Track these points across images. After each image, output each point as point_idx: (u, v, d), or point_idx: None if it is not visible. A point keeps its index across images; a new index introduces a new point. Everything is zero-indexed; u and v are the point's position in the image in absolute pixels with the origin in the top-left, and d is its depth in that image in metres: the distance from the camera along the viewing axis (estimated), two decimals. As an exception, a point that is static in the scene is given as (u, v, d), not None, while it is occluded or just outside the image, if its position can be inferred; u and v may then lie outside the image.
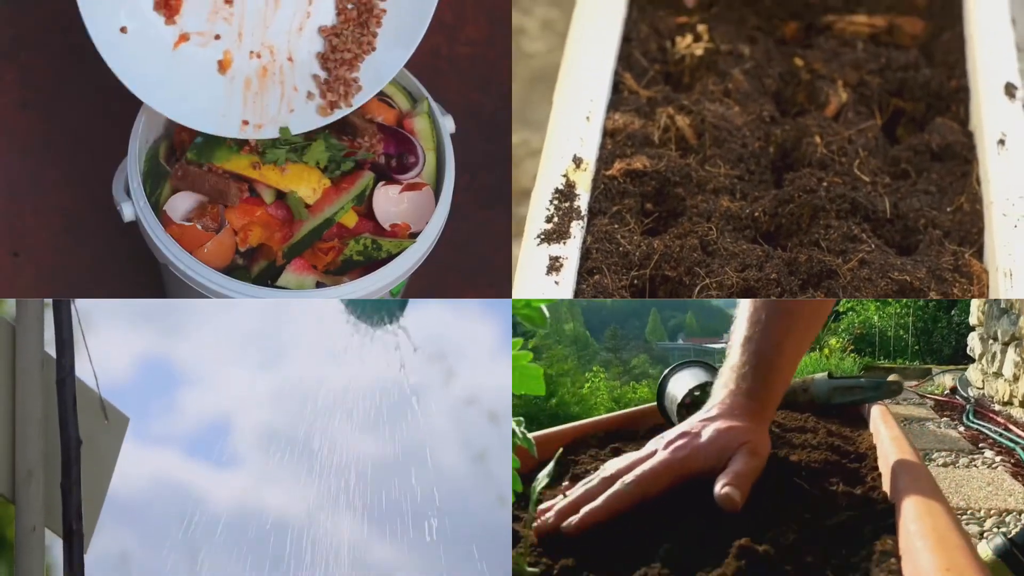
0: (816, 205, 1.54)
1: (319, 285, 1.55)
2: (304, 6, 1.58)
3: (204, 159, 1.58)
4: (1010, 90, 1.65)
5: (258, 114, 1.57)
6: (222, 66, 1.58)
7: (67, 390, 1.35)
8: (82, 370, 1.39)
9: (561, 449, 1.07)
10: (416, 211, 1.60)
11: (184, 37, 1.57)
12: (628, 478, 0.94)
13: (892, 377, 1.58)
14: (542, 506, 0.94)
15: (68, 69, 1.88)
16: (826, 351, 4.26)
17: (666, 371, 1.56)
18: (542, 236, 1.49)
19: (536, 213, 1.52)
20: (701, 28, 1.78)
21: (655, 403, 1.53)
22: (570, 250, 1.47)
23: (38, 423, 1.36)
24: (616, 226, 1.51)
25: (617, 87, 1.70)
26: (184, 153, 1.59)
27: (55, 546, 1.34)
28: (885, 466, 1.05)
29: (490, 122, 1.89)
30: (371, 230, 1.60)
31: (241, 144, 1.58)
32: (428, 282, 1.75)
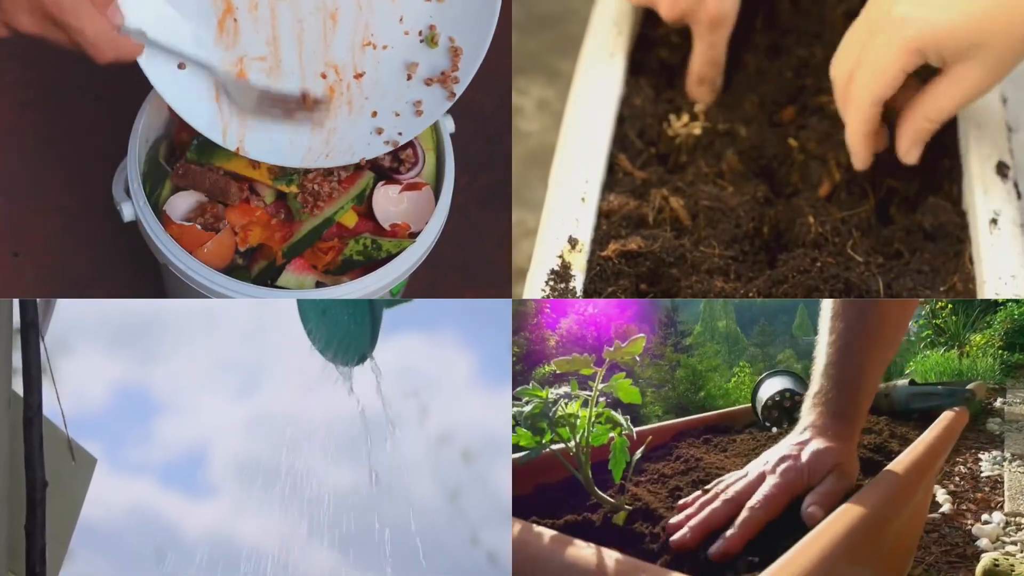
0: (810, 285, 1.55)
1: (319, 285, 1.56)
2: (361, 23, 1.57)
3: (204, 159, 1.58)
4: (1002, 169, 1.67)
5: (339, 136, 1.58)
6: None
7: (34, 430, 1.34)
8: (49, 409, 1.37)
9: (650, 437, 1.12)
10: (416, 211, 1.61)
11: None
12: (753, 503, 1.00)
13: (971, 385, 1.61)
14: (673, 520, 0.99)
15: (68, 69, 1.88)
16: (967, 348, 4.13)
17: (760, 377, 1.64)
18: (539, 317, 1.49)
19: (532, 294, 1.52)
20: (699, 108, 1.80)
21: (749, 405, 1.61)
22: (566, 332, 1.48)
23: (3, 463, 1.34)
24: (612, 308, 1.52)
25: (612, 168, 1.71)
26: (184, 153, 1.60)
27: (18, 589, 1.33)
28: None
29: (490, 122, 1.89)
30: (371, 230, 1.60)
31: None
32: (428, 282, 1.75)
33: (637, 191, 1.68)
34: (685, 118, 1.79)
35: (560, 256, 1.56)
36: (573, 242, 1.57)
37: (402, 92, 1.59)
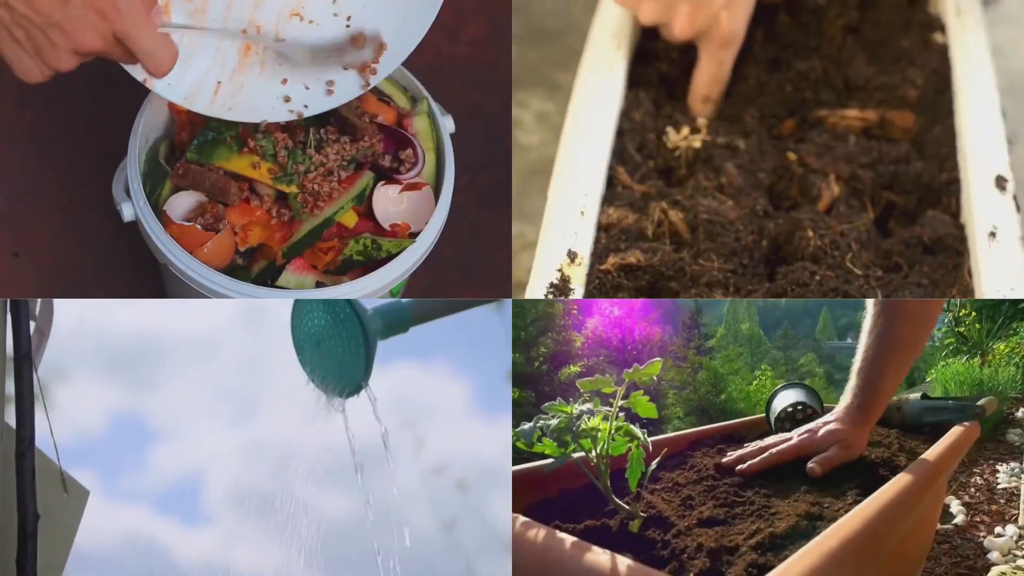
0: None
1: (319, 285, 1.56)
2: None
3: (204, 158, 1.58)
4: (1001, 183, 1.67)
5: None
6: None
7: (26, 463, 1.32)
8: (42, 440, 1.35)
9: (665, 449, 1.22)
10: (416, 211, 1.61)
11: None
12: (775, 450, 1.34)
13: (982, 402, 1.62)
14: (724, 460, 1.36)
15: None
16: (989, 357, 4.07)
17: (774, 389, 1.73)
18: (538, 331, 1.49)
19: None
20: (700, 122, 1.80)
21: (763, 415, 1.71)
22: (565, 345, 1.48)
23: None
24: (610, 321, 1.52)
25: (611, 181, 1.71)
26: (184, 153, 1.60)
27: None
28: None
29: (490, 122, 1.89)
30: (371, 230, 1.60)
31: (241, 144, 1.58)
32: (428, 282, 1.75)
33: (636, 204, 1.68)
34: (685, 131, 1.79)
35: (559, 270, 1.56)
36: (572, 255, 1.58)
37: (317, 69, 1.59)
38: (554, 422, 1.04)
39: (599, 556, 0.87)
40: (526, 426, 1.07)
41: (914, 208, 1.73)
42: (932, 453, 1.34)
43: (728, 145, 1.78)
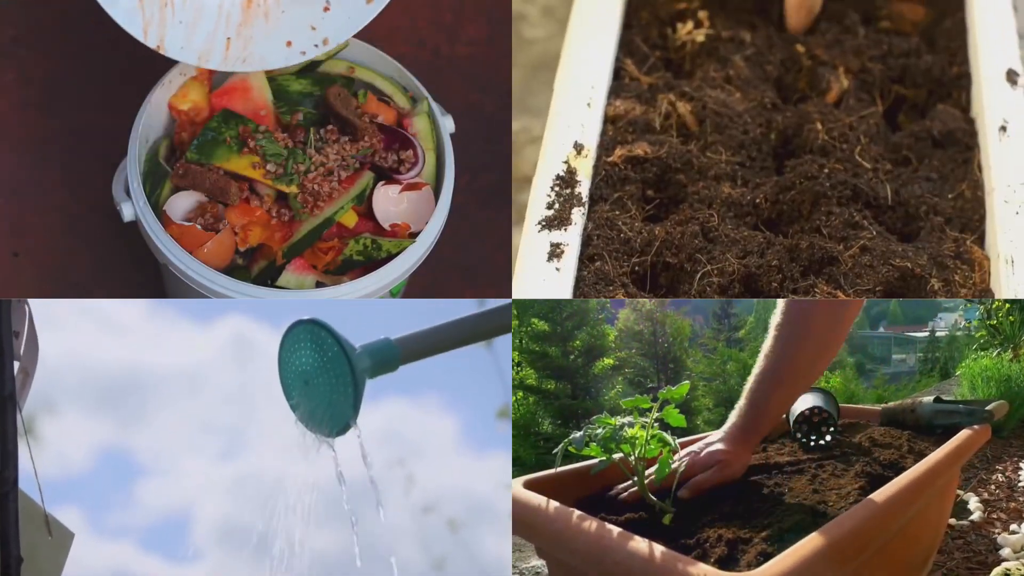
0: (817, 192, 1.54)
1: (319, 285, 1.55)
2: None
3: (204, 158, 1.57)
4: (1012, 77, 1.65)
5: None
6: None
7: (10, 505, 1.30)
8: (26, 481, 1.34)
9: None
10: (416, 211, 1.60)
11: None
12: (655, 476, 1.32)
13: (991, 406, 1.69)
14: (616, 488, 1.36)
15: (68, 69, 1.87)
16: (1021, 351, 4.04)
17: None
18: (543, 223, 1.49)
19: (537, 200, 1.51)
20: (702, 15, 1.78)
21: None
22: (571, 237, 1.47)
23: None
24: (617, 213, 1.51)
25: (618, 74, 1.69)
26: (184, 153, 1.59)
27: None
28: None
29: (490, 122, 1.88)
30: (371, 230, 1.59)
31: (241, 144, 1.58)
32: (428, 282, 1.75)
33: (643, 97, 1.66)
34: (689, 24, 1.77)
35: (566, 162, 1.55)
36: (579, 148, 1.56)
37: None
38: (601, 432, 1.23)
39: (640, 544, 1.03)
40: (577, 435, 1.24)
41: (924, 102, 1.70)
42: (931, 459, 1.39)
43: (733, 39, 1.75)
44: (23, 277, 1.77)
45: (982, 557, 1.92)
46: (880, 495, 1.18)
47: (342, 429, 1.28)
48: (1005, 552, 1.92)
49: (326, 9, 1.58)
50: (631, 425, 1.22)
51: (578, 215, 1.49)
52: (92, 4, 1.86)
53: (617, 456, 1.24)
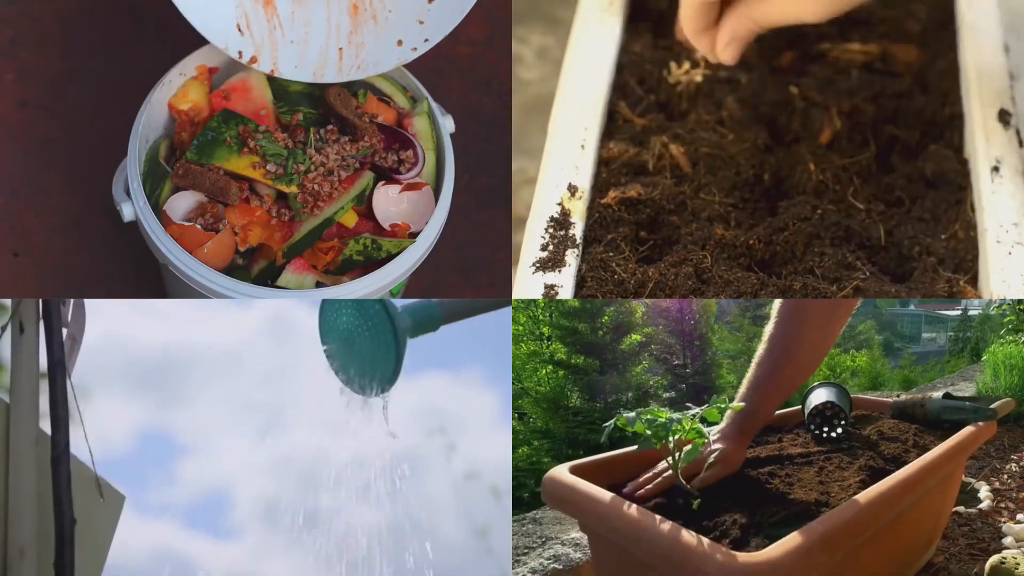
0: (810, 233, 1.54)
1: (319, 285, 1.56)
2: None
3: (204, 158, 1.58)
4: (1004, 117, 1.66)
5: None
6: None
7: (62, 468, 1.32)
8: (77, 447, 1.36)
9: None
10: (416, 211, 1.61)
11: None
12: (666, 475, 1.42)
13: (996, 404, 1.75)
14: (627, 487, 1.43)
15: (68, 69, 1.88)
16: None
17: (811, 386, 1.84)
18: (538, 264, 1.49)
19: (531, 241, 1.52)
20: (699, 55, 1.78)
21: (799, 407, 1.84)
22: (565, 278, 1.48)
23: (31, 501, 1.34)
24: (611, 254, 1.51)
25: (612, 116, 1.70)
26: (184, 153, 1.59)
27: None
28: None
29: (490, 122, 1.89)
30: (371, 230, 1.60)
31: (241, 144, 1.58)
32: (428, 282, 1.75)
33: (637, 138, 1.67)
34: (686, 65, 1.77)
35: (560, 204, 1.55)
36: (573, 190, 1.57)
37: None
38: (659, 420, 1.33)
39: (668, 526, 1.19)
40: (630, 414, 1.33)
41: (916, 142, 1.71)
42: (928, 456, 1.46)
43: (729, 79, 1.76)
44: (23, 277, 1.78)
45: (985, 544, 1.93)
46: (872, 491, 1.29)
47: (384, 388, 1.30)
48: (1007, 541, 1.93)
49: (430, 0, 1.59)
50: (678, 421, 1.33)
51: (572, 257, 1.50)
52: (92, 4, 1.88)
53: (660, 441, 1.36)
